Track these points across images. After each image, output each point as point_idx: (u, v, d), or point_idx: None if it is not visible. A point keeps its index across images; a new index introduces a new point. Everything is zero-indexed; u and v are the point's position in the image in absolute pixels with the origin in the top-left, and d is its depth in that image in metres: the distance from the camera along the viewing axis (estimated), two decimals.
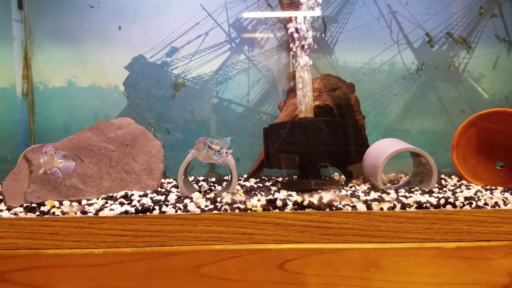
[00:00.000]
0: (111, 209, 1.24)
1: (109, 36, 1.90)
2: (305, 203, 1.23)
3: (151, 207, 1.23)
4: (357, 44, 1.94)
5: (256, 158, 1.79)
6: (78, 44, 1.86)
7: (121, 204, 1.31)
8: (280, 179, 1.87)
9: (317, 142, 1.42)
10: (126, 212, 1.22)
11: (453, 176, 1.79)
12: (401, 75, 1.90)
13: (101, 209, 1.26)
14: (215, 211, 1.22)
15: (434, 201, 1.20)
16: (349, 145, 1.49)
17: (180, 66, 1.93)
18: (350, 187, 1.55)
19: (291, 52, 1.92)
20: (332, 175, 1.90)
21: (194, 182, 1.80)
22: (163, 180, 1.81)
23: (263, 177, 1.88)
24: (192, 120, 1.94)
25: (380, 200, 1.30)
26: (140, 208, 1.23)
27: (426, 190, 1.40)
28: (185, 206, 1.25)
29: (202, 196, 1.37)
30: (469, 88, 1.94)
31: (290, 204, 1.23)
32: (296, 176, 1.89)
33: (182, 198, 1.38)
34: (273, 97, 1.93)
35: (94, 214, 1.18)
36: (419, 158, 1.59)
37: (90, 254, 1.13)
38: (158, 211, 1.22)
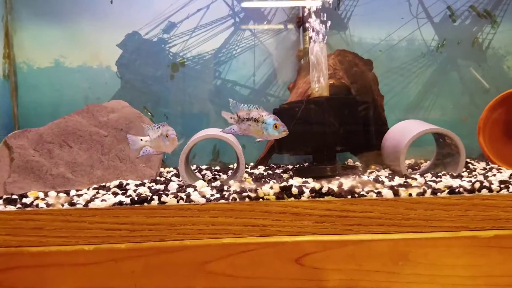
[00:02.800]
0: (103, 200, 1.11)
1: (100, 11, 1.76)
2: (324, 190, 1.10)
3: (149, 197, 1.10)
4: (373, 19, 1.82)
5: (263, 144, 1.66)
6: (65, 20, 1.76)
7: (115, 194, 1.17)
8: (290, 166, 1.73)
9: (335, 123, 1.28)
10: (121, 203, 1.08)
11: (477, 160, 1.66)
12: (421, 52, 1.80)
13: (91, 200, 1.12)
14: (222, 201, 1.09)
15: (467, 185, 1.09)
16: (369, 127, 1.36)
17: (178, 43, 1.80)
18: (370, 173, 1.42)
19: (302, 26, 1.77)
20: (346, 162, 1.77)
21: (196, 171, 1.66)
22: (162, 169, 1.67)
23: (272, 165, 1.75)
24: (193, 103, 1.79)
25: (407, 185, 1.17)
26: (136, 198, 1.10)
27: (454, 174, 1.27)
28: (188, 195, 1.12)
29: (207, 185, 1.23)
30: (494, 66, 1.82)
31: (307, 191, 1.10)
32: (307, 163, 1.76)
33: (184, 186, 1.25)
34: (282, 77, 1.79)
35: (84, 205, 1.05)
36: (443, 141, 1.46)
37: (79, 251, 1.01)
38: (157, 202, 1.09)
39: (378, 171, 1.46)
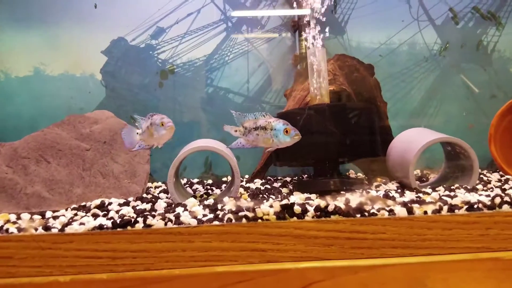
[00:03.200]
0: (81, 223, 0.98)
1: (84, 15, 1.67)
2: (330, 208, 0.99)
3: (133, 220, 0.97)
4: (372, 22, 1.73)
5: (259, 156, 1.60)
6: (46, 25, 1.67)
7: (95, 216, 1.05)
8: (288, 179, 1.62)
9: (338, 132, 1.18)
10: (101, 226, 0.96)
11: (489, 170, 1.57)
12: (423, 56, 1.75)
13: (69, 223, 0.99)
14: (215, 222, 0.97)
15: (486, 200, 0.99)
16: (375, 135, 1.25)
17: (167, 49, 1.71)
18: (377, 186, 1.31)
19: (297, 30, 1.68)
20: (348, 173, 1.66)
21: (187, 185, 1.54)
22: (149, 184, 1.55)
23: (269, 177, 1.63)
24: (183, 112, 1.67)
25: (420, 201, 1.06)
26: (119, 221, 0.97)
27: (469, 187, 1.17)
28: (177, 216, 0.99)
29: (199, 203, 1.11)
30: (499, 69, 1.75)
31: (311, 210, 0.99)
32: (306, 176, 1.65)
33: (173, 205, 1.13)
34: (277, 84, 1.69)
35: (60, 230, 0.92)
36: (452, 150, 1.36)
37: (54, 283, 0.90)
38: (143, 225, 0.96)
39: (385, 184, 1.35)
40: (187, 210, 1.06)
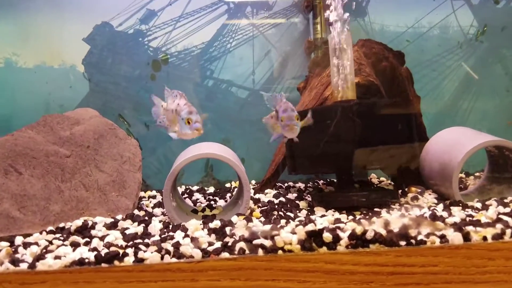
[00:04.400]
0: (56, 257, 0.80)
1: None
2: (369, 235, 0.81)
3: (121, 252, 0.79)
4: (397, 2, 1.56)
5: (267, 158, 1.47)
6: (19, 11, 1.51)
7: (74, 246, 0.87)
8: (300, 185, 1.44)
9: (377, 136, 1.01)
10: (82, 261, 0.78)
11: None
12: (457, 41, 1.59)
13: (41, 255, 0.82)
14: (225, 254, 0.79)
15: None
16: (412, 138, 1.08)
17: (160, 36, 1.55)
18: (412, 199, 1.14)
19: (311, 12, 1.49)
20: (369, 178, 1.48)
21: (185, 194, 1.36)
22: (142, 193, 1.37)
23: (279, 185, 1.46)
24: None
25: (475, 222, 0.89)
26: (104, 253, 0.80)
27: None
28: (177, 246, 0.83)
29: (202, 225, 0.93)
30: None
31: (344, 237, 0.82)
32: (322, 182, 1.48)
33: (171, 227, 0.95)
34: (288, 75, 1.52)
35: (30, 265, 0.75)
36: (499, 154, 1.19)
37: None
38: (133, 258, 0.79)
39: (421, 194, 1.18)
40: (188, 235, 0.89)
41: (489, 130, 1.24)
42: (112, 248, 0.83)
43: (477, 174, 1.47)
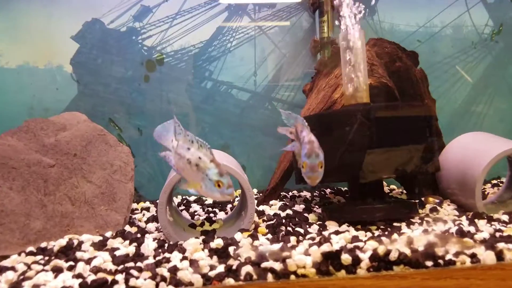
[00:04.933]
0: (35, 286, 0.70)
1: None
2: (393, 256, 0.72)
3: (110, 280, 0.69)
4: (408, 0, 1.45)
5: (270, 165, 1.40)
6: (1, 7, 1.41)
7: (56, 271, 0.76)
8: (306, 194, 1.35)
9: (396, 142, 0.92)
10: None
11: None
12: (471, 42, 1.53)
13: (18, 284, 0.71)
14: (229, 280, 0.69)
15: None
16: (431, 145, 0.99)
17: (155, 34, 1.46)
18: (431, 210, 1.05)
19: (318, 9, 1.40)
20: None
21: (182, 207, 1.26)
22: (134, 205, 1.27)
23: (283, 194, 1.36)
24: (175, 113, 1.43)
25: (506, 238, 0.81)
26: (90, 280, 0.69)
27: None
28: (174, 270, 0.72)
29: (202, 245, 0.83)
30: None
31: (365, 258, 0.73)
32: (329, 191, 1.38)
33: (166, 246, 0.85)
34: (293, 77, 1.44)
35: None
36: None
37: None
38: (124, 286, 0.69)
39: (439, 205, 1.09)
40: (186, 258, 0.79)
41: (505, 134, 1.16)
42: (100, 274, 0.73)
43: (494, 181, 1.39)
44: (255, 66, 1.49)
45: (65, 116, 1.24)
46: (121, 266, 0.77)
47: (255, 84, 1.50)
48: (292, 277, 0.72)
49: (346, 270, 0.73)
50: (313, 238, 0.85)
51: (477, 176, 1.01)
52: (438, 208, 1.08)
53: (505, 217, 0.97)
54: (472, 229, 0.88)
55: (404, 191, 1.29)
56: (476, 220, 0.95)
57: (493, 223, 0.94)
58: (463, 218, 0.98)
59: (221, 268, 0.74)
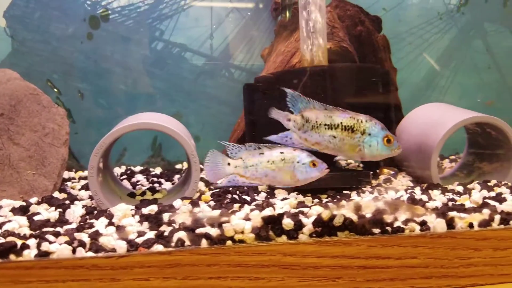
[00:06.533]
0: None
1: None
2: (337, 221, 0.70)
3: (18, 245, 0.63)
4: None
5: (226, 136, 1.34)
6: None
7: None
8: None
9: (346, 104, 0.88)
10: None
11: None
12: (436, 12, 1.51)
13: None
14: (158, 246, 0.65)
15: None
16: (389, 111, 0.97)
17: None
18: (385, 181, 1.04)
19: None
20: (336, 160, 1.37)
21: (123, 177, 1.19)
22: (72, 174, 1.19)
23: None
24: (122, 76, 1.38)
25: (459, 207, 0.80)
26: None
27: (509, 184, 0.95)
28: (95, 236, 0.66)
29: (134, 210, 0.78)
30: None
31: (308, 223, 0.70)
32: None
33: (96, 213, 0.79)
34: (252, 40, 1.38)
35: None
36: (481, 133, 1.11)
37: None
38: (36, 252, 0.62)
39: (394, 177, 1.08)
40: (113, 224, 0.72)
41: (467, 108, 1.16)
42: (10, 239, 0.66)
43: (452, 157, 1.41)
44: (211, 28, 1.42)
45: None
46: (38, 231, 0.70)
47: (211, 48, 1.42)
48: (229, 242, 0.68)
49: (288, 235, 0.70)
50: (258, 205, 0.81)
51: (433, 146, 1.00)
52: (393, 179, 1.07)
53: (460, 188, 0.97)
54: (424, 197, 0.87)
55: (361, 164, 1.27)
56: (430, 191, 0.94)
57: (447, 193, 0.94)
58: (417, 188, 0.97)
59: (151, 235, 0.69)
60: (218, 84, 1.45)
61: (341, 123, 0.76)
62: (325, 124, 0.76)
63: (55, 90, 1.35)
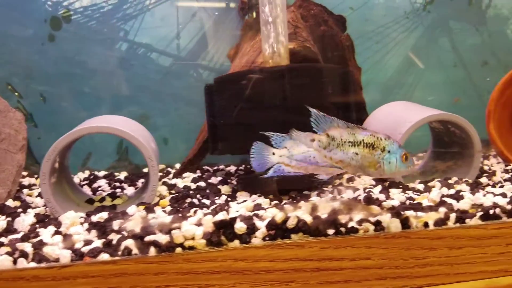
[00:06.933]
0: None
1: None
2: (291, 223, 0.69)
3: None
4: None
5: (194, 139, 1.31)
6: None
7: None
8: (232, 168, 1.30)
9: (304, 105, 0.87)
10: None
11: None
12: (403, 11, 1.52)
13: None
14: (104, 256, 0.62)
15: (505, 203, 0.81)
16: (350, 111, 0.97)
17: None
18: (348, 180, 1.04)
19: None
20: None
21: (84, 183, 1.15)
22: (32, 181, 1.15)
23: (206, 168, 1.30)
24: (85, 78, 1.36)
25: (415, 206, 0.80)
26: None
27: (470, 181, 0.94)
28: (38, 246, 0.64)
29: (84, 218, 0.75)
30: (495, 30, 1.56)
31: (261, 226, 0.69)
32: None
33: (46, 222, 0.76)
34: (219, 40, 1.36)
35: None
36: (444, 131, 1.12)
37: None
38: None
39: (359, 176, 1.08)
40: (60, 232, 0.70)
41: (434, 107, 1.17)
42: None
43: (420, 155, 1.42)
44: (177, 28, 1.39)
45: None
46: None
47: (178, 48, 1.40)
48: (179, 250, 0.66)
49: (240, 239, 0.68)
50: (212, 209, 0.80)
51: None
52: (355, 178, 1.07)
53: (421, 186, 0.97)
54: (382, 196, 0.87)
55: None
56: (390, 189, 0.94)
57: (407, 192, 0.94)
58: (378, 187, 0.97)
59: (98, 243, 0.66)
60: (186, 85, 1.43)
61: (363, 140, 0.76)
62: (349, 142, 0.76)
63: (16, 93, 1.31)
